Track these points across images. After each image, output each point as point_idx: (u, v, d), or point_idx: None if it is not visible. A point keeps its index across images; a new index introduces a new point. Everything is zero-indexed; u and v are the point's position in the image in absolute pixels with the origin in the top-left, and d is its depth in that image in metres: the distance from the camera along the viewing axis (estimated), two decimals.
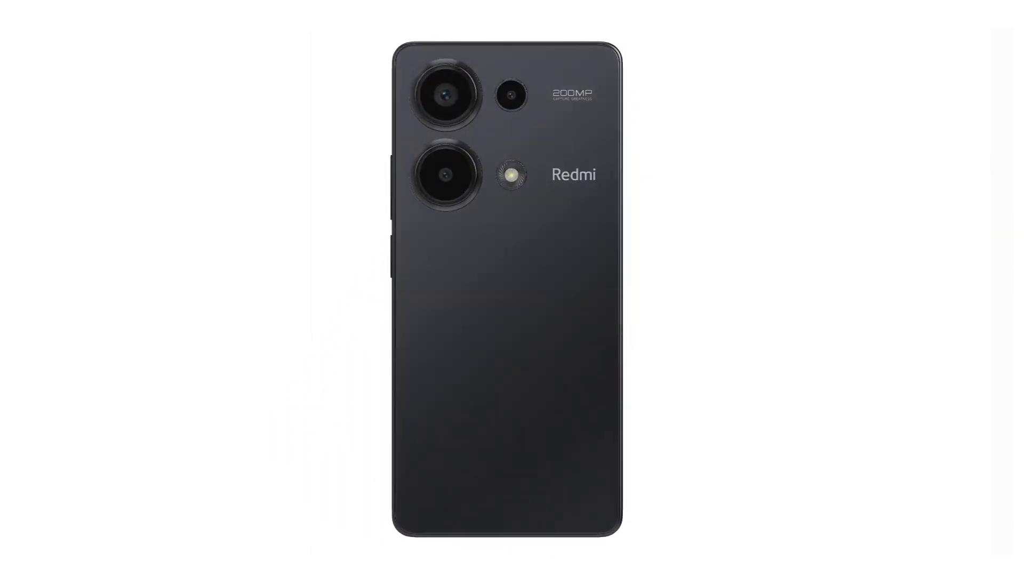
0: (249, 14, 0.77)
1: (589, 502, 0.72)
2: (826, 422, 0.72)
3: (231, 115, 0.77)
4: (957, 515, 0.70)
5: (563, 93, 0.71)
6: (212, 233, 0.77)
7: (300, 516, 0.75)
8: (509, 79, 0.72)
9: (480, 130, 0.72)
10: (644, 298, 0.72)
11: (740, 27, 0.73)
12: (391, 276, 0.73)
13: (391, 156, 0.73)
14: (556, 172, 0.72)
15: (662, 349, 0.72)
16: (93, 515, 0.76)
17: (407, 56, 0.72)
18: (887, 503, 0.71)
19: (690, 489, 0.72)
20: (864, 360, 0.71)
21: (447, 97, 0.72)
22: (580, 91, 0.71)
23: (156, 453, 0.77)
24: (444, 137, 0.72)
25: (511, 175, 0.72)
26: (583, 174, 0.71)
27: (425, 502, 0.72)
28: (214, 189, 0.77)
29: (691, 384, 0.72)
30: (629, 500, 0.72)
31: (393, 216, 0.73)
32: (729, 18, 0.73)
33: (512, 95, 0.72)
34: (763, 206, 0.72)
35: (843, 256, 0.72)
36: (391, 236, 0.73)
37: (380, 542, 0.74)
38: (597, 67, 0.71)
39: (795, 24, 0.72)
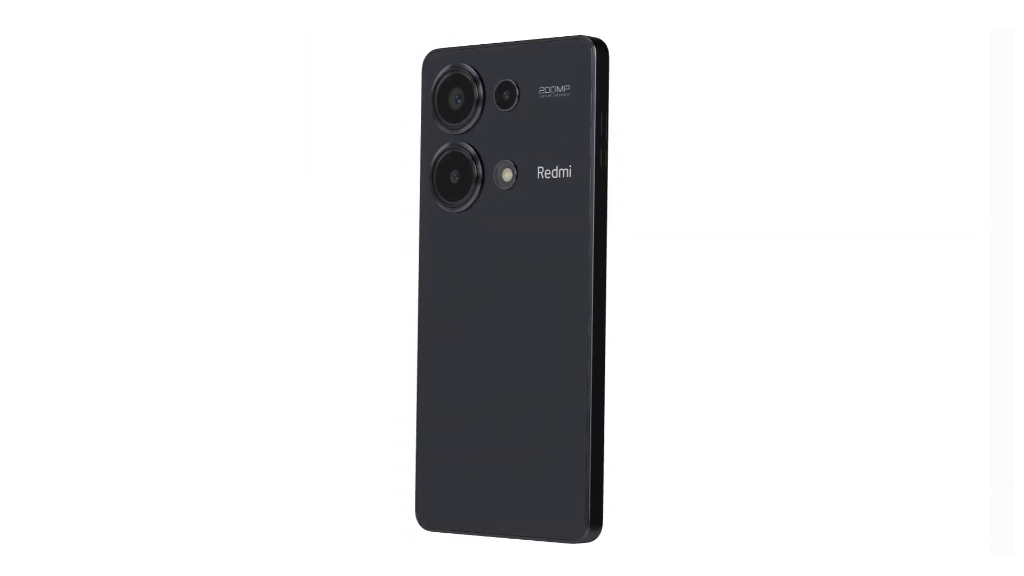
0: (253, 17, 0.78)
1: (559, 508, 0.71)
2: (830, 420, 0.72)
3: (238, 119, 0.78)
4: (957, 515, 0.70)
5: (547, 91, 0.72)
6: (225, 234, 0.78)
7: (310, 508, 0.76)
8: (505, 79, 0.73)
9: (481, 131, 0.73)
10: (627, 301, 0.72)
11: (737, 24, 0.73)
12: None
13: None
14: (540, 170, 0.72)
15: (646, 353, 0.73)
16: (106, 515, 0.78)
17: (428, 62, 0.74)
18: (887, 503, 0.71)
19: (675, 495, 0.72)
20: (863, 360, 0.71)
21: (459, 100, 0.73)
22: (560, 87, 0.72)
23: (174, 453, 0.78)
24: (454, 139, 0.73)
25: (507, 175, 0.73)
26: (561, 171, 0.71)
27: (442, 499, 0.73)
28: (218, 192, 0.78)
29: (676, 386, 0.72)
30: (612, 506, 0.72)
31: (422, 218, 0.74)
32: (727, 15, 0.73)
33: (507, 95, 0.72)
34: (756, 204, 0.72)
35: (837, 254, 0.72)
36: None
37: (398, 536, 0.75)
38: (572, 61, 0.71)
39: (794, 23, 0.72)
